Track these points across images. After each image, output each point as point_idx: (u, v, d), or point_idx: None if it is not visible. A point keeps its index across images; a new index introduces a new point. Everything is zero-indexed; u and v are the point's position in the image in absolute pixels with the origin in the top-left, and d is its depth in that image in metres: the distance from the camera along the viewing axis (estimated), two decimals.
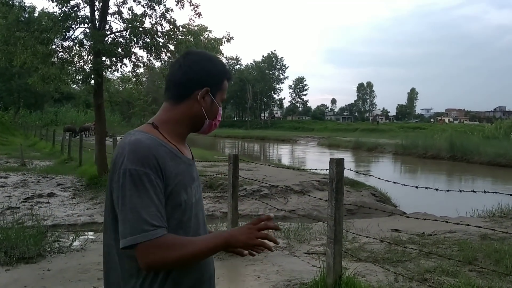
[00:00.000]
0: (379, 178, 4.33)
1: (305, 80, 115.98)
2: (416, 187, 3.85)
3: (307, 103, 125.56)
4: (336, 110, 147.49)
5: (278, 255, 5.66)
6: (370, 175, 4.46)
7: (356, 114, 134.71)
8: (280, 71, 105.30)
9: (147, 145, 1.37)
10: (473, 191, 3.28)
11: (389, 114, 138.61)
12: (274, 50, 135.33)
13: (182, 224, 1.44)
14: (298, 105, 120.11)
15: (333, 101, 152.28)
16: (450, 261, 4.94)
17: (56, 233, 6.85)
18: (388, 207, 10.23)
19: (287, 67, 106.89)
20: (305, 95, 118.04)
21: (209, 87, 1.53)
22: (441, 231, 6.94)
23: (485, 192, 3.29)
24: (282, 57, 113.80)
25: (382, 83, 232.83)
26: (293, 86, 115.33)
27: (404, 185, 3.99)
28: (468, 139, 28.31)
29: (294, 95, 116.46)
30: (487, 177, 19.50)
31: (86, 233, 7.51)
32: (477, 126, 47.56)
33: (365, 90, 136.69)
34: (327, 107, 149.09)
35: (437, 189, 3.51)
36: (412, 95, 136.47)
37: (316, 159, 28.30)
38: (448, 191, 3.99)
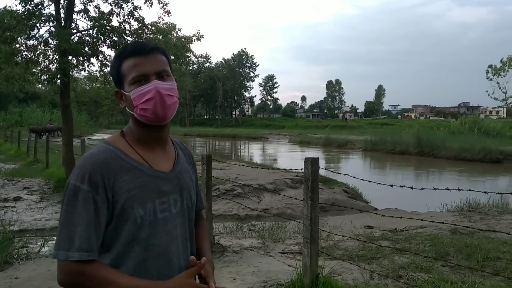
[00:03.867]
0: (354, 177, 4.36)
1: (275, 78, 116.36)
2: (391, 185, 3.89)
3: (278, 100, 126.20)
4: (306, 107, 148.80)
5: (253, 256, 5.63)
6: (346, 174, 4.44)
7: (325, 111, 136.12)
8: (251, 69, 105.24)
9: (95, 161, 1.34)
10: (448, 189, 3.33)
11: (358, 110, 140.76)
12: (245, 48, 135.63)
13: (140, 241, 1.38)
14: (268, 102, 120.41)
15: (303, 99, 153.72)
16: (423, 256, 5.02)
17: (24, 238, 6.64)
18: (360, 204, 10.35)
19: (258, 65, 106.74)
20: (276, 92, 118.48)
21: (117, 85, 1.47)
22: (412, 227, 7.05)
23: (459, 190, 3.35)
24: (253, 55, 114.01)
25: (350, 80, 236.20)
26: (263, 84, 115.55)
27: (379, 183, 4.03)
28: (435, 135, 28.97)
29: (264, 92, 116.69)
30: (453, 171, 20.00)
31: (55, 238, 7.30)
32: (442, 122, 48.67)
33: (334, 87, 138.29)
34: (297, 105, 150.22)
35: (411, 188, 3.54)
36: (380, 92, 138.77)
37: (288, 156, 28.43)
38: (422, 189, 4.07)
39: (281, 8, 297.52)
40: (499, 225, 6.92)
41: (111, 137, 1.47)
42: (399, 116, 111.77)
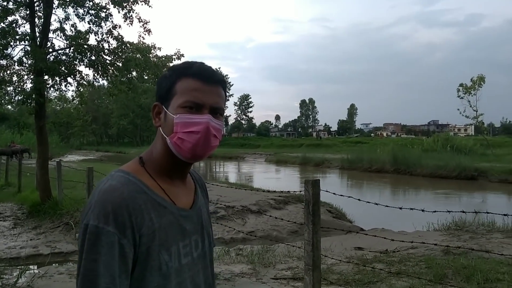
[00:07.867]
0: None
1: (250, 98, 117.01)
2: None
3: (253, 120, 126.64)
4: (280, 126, 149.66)
5: (246, 283, 5.40)
6: (349, 197, 4.28)
7: (299, 129, 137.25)
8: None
9: (119, 195, 1.11)
10: (448, 211, 3.22)
11: (331, 129, 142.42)
12: (219, 68, 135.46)
13: None
14: (243, 122, 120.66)
15: (277, 118, 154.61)
16: (421, 280, 4.89)
17: None
18: (346, 224, 10.24)
19: (232, 85, 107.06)
20: (251, 112, 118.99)
21: (161, 100, 1.24)
22: (403, 247, 6.95)
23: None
24: (227, 75, 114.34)
25: (323, 99, 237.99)
26: (238, 103, 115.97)
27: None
28: (410, 153, 29.36)
29: (239, 112, 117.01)
30: (430, 189, 20.23)
31: (32, 268, 6.89)
32: (415, 140, 49.58)
33: (307, 106, 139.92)
34: (271, 124, 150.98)
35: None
36: (352, 110, 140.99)
37: (267, 176, 28.26)
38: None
39: (252, 28, 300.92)
40: (490, 244, 6.87)
41: (129, 166, 1.23)
42: (372, 134, 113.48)
